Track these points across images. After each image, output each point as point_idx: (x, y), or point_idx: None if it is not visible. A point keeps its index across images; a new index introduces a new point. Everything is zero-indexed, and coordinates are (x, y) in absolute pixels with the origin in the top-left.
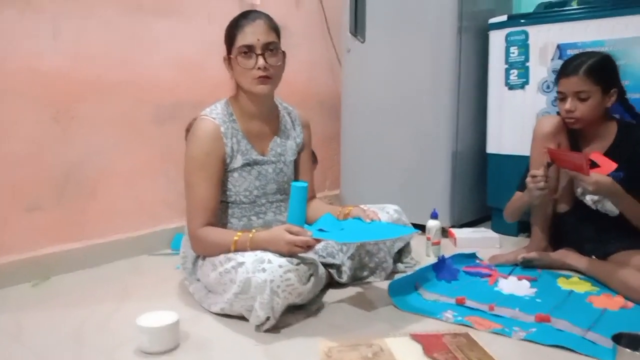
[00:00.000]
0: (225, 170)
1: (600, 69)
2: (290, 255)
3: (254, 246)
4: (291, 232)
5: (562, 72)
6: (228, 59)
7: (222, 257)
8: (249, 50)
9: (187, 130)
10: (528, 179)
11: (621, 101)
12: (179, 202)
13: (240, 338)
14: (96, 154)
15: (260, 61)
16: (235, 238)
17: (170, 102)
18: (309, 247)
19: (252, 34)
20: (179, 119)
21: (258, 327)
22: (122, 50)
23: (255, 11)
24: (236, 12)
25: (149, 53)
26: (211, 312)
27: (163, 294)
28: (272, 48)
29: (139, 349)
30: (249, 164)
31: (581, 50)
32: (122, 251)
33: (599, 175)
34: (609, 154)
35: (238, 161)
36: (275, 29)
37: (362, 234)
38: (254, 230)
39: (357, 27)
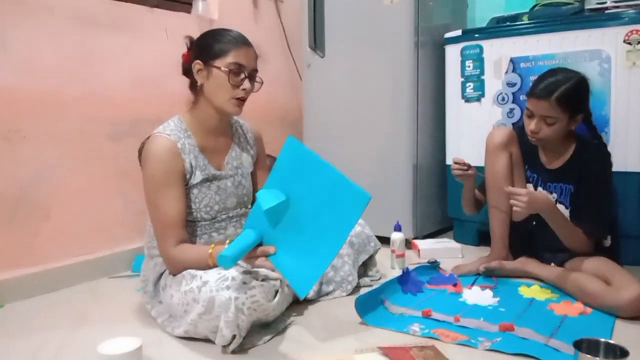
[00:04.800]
0: (185, 187)
1: (572, 97)
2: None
3: None
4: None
5: (534, 92)
6: (204, 67)
7: (187, 274)
8: (239, 69)
9: (140, 152)
10: (453, 165)
11: (586, 122)
12: (138, 222)
13: None
14: (49, 174)
15: (248, 84)
16: (210, 251)
17: (126, 119)
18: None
19: (246, 57)
20: (136, 136)
21: (224, 348)
22: (76, 65)
23: (243, 35)
24: (194, 28)
25: (104, 68)
26: (175, 336)
27: (124, 318)
28: (255, 75)
29: None
30: (208, 179)
31: (533, 64)
32: (80, 275)
33: (535, 192)
34: (565, 168)
35: (197, 177)
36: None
37: (322, 229)
38: (227, 242)
39: (317, 41)
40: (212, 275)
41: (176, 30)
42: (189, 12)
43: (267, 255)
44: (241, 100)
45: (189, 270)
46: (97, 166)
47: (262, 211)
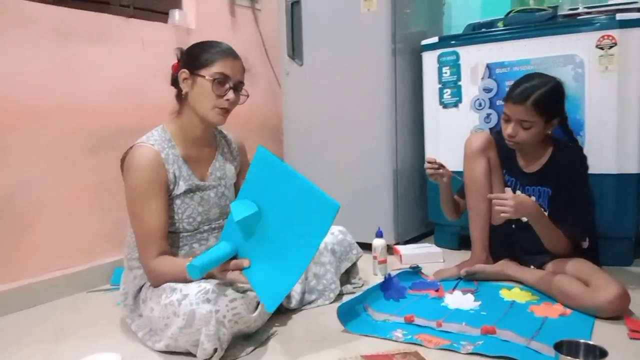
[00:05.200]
0: (168, 197)
1: (548, 101)
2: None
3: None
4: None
5: (511, 96)
6: (190, 75)
7: (167, 287)
8: (224, 80)
9: (123, 161)
10: (426, 164)
11: (562, 126)
12: (117, 235)
13: None
14: (28, 187)
15: (232, 95)
16: (188, 264)
17: (106, 130)
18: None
19: (232, 68)
20: (116, 146)
21: None
22: (55, 77)
23: (232, 48)
24: (171, 38)
25: (83, 79)
26: (156, 350)
27: (104, 332)
28: (241, 88)
29: None
30: (192, 190)
31: (509, 70)
32: (59, 289)
33: (521, 196)
34: (543, 171)
35: (181, 187)
36: (244, 72)
37: (292, 242)
38: None
39: (295, 50)
40: (192, 288)
41: (153, 40)
42: (165, 21)
43: (241, 269)
44: (225, 111)
45: (169, 283)
46: (77, 178)
47: (234, 222)
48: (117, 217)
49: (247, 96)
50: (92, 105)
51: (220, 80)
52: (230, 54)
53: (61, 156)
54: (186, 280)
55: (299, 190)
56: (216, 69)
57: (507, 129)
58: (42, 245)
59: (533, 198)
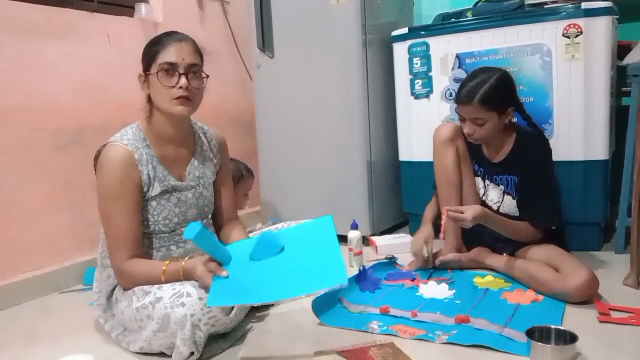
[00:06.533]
0: (142, 199)
1: (494, 95)
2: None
3: (187, 275)
4: (208, 268)
5: (458, 98)
6: (145, 76)
7: (139, 290)
8: (171, 68)
9: (96, 159)
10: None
11: (519, 112)
12: (88, 234)
13: None
14: None
15: (183, 81)
16: (164, 267)
17: (71, 127)
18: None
19: (177, 53)
20: (82, 144)
21: None
22: (16, 75)
23: (181, 32)
24: (138, 33)
25: (45, 77)
26: (130, 351)
27: (77, 334)
28: (195, 70)
29: None
30: (168, 191)
31: (478, 60)
32: (29, 291)
33: (471, 209)
34: (507, 160)
35: (156, 189)
36: (200, 52)
37: (286, 276)
38: (186, 258)
39: (265, 42)
40: (167, 291)
41: (119, 35)
42: (131, 15)
43: (214, 274)
44: (184, 99)
45: (140, 286)
46: (43, 178)
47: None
48: (88, 215)
49: (207, 77)
50: (57, 103)
51: (167, 70)
52: (174, 39)
53: (27, 155)
54: (161, 282)
55: (329, 252)
56: (160, 60)
57: (465, 128)
58: (10, 246)
59: (502, 187)
